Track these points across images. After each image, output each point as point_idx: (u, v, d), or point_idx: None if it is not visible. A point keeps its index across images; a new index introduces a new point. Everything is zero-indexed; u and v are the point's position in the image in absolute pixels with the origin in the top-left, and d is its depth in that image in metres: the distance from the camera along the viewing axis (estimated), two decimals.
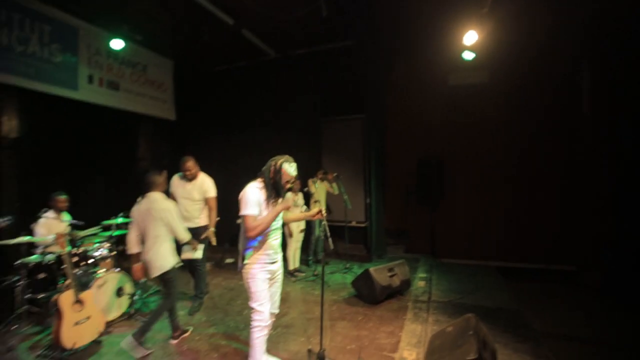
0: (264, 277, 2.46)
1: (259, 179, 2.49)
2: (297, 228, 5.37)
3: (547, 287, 4.99)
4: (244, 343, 3.17)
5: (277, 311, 2.73)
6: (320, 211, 2.62)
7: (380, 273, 4.14)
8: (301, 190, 5.45)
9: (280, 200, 2.50)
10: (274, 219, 2.43)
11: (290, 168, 2.48)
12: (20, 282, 3.47)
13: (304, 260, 5.77)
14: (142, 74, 6.55)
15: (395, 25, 6.16)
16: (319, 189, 5.78)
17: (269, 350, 2.90)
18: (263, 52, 6.90)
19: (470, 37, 4.56)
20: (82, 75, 5.52)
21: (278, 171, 2.45)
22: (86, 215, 4.27)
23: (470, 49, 5.00)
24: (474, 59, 5.57)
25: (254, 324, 2.45)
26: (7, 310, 3.54)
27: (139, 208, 3.17)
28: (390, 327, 3.52)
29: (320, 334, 2.64)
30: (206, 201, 4.08)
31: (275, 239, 2.56)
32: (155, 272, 3.14)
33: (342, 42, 6.55)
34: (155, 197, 3.19)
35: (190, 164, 3.97)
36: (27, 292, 3.51)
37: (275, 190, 2.46)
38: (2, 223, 3.59)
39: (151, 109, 6.77)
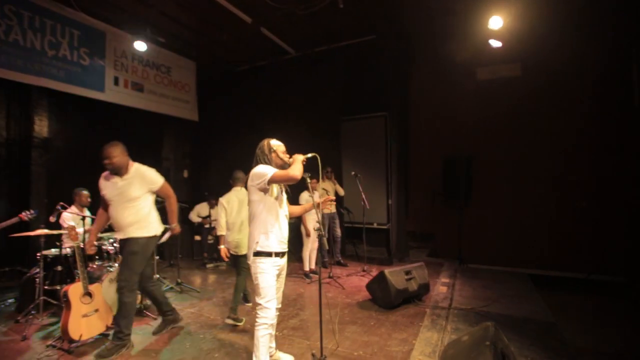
0: (273, 272, 2.42)
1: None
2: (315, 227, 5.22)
3: (588, 299, 4.46)
4: (249, 342, 3.06)
5: (279, 306, 2.65)
6: (318, 204, 2.59)
7: (396, 276, 3.89)
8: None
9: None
10: (301, 165, 2.43)
11: (277, 142, 2.60)
12: (39, 274, 3.59)
13: (320, 261, 5.60)
14: (166, 75, 6.74)
15: (417, 17, 5.89)
16: (328, 187, 5.65)
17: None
18: (283, 51, 6.87)
19: (496, 22, 4.20)
20: (108, 77, 5.75)
21: (271, 149, 2.54)
22: None
23: (498, 37, 4.63)
24: (505, 51, 5.20)
25: (259, 321, 2.38)
26: (29, 301, 3.68)
27: (231, 198, 3.86)
28: (404, 334, 3.26)
29: (320, 340, 2.46)
30: (159, 193, 3.20)
31: (285, 226, 2.54)
32: (244, 251, 3.62)
33: (362, 38, 6.38)
34: (243, 190, 3.85)
35: (112, 150, 2.92)
36: (45, 283, 3.64)
37: (280, 167, 2.51)
38: (28, 216, 3.73)
39: (174, 110, 6.93)
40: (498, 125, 6.07)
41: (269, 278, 2.39)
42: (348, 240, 6.73)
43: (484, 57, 5.87)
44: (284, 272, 2.63)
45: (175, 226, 3.36)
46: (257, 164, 2.50)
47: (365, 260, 5.61)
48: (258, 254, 2.40)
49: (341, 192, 5.96)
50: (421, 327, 3.39)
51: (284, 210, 2.58)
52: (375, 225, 6.49)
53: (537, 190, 5.73)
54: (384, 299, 3.87)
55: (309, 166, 2.55)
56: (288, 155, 2.58)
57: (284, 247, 2.51)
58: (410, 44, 6.56)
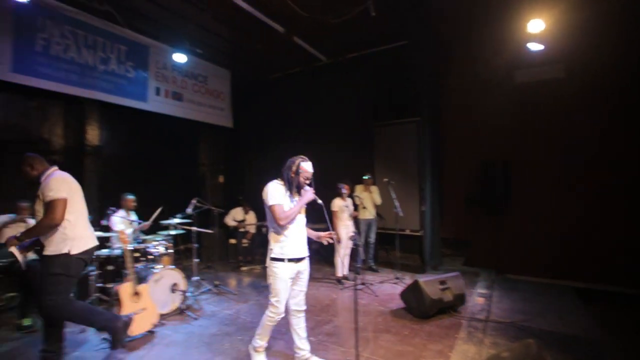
0: (286, 276, 2.60)
1: (279, 178, 2.69)
2: (347, 234, 5.24)
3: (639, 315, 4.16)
4: (285, 346, 3.15)
5: (302, 308, 2.80)
6: (330, 234, 2.74)
7: (430, 285, 3.83)
8: (350, 196, 5.34)
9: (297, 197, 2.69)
10: (301, 208, 2.65)
11: (307, 165, 2.69)
12: (93, 273, 3.91)
13: (353, 268, 5.62)
14: (203, 84, 7.05)
15: (450, 20, 5.78)
16: (364, 196, 5.64)
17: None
18: (315, 58, 6.98)
19: (536, 25, 4.05)
20: (150, 88, 6.13)
21: (298, 171, 2.65)
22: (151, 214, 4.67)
23: (538, 39, 4.45)
24: (546, 52, 4.96)
25: (268, 313, 2.65)
26: (83, 297, 4.00)
27: None
28: (439, 345, 3.21)
29: (355, 347, 2.49)
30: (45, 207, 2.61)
31: (301, 235, 2.69)
32: None
33: (394, 43, 6.35)
34: None
35: (22, 166, 2.70)
36: (98, 281, 3.97)
37: (295, 186, 2.67)
38: None
39: (210, 117, 7.24)
40: (538, 129, 5.81)
41: (282, 281, 2.59)
42: (380, 246, 6.69)
43: (522, 59, 5.65)
44: (305, 275, 2.76)
45: (13, 240, 2.59)
46: (281, 174, 2.70)
47: (398, 267, 5.56)
48: (273, 259, 2.62)
49: (378, 201, 5.91)
50: (457, 339, 3.32)
51: (301, 219, 2.71)
52: (408, 232, 6.41)
53: (582, 196, 5.41)
54: (419, 308, 3.83)
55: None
56: (308, 182, 2.71)
57: (300, 254, 2.67)
58: (444, 48, 6.45)
